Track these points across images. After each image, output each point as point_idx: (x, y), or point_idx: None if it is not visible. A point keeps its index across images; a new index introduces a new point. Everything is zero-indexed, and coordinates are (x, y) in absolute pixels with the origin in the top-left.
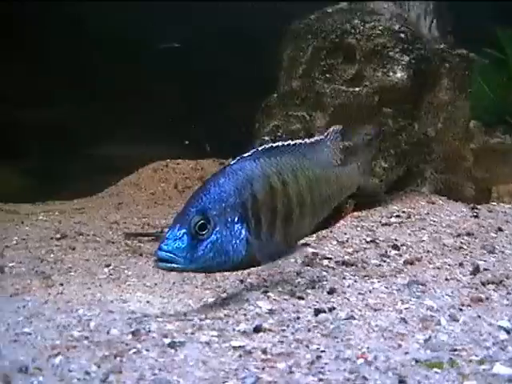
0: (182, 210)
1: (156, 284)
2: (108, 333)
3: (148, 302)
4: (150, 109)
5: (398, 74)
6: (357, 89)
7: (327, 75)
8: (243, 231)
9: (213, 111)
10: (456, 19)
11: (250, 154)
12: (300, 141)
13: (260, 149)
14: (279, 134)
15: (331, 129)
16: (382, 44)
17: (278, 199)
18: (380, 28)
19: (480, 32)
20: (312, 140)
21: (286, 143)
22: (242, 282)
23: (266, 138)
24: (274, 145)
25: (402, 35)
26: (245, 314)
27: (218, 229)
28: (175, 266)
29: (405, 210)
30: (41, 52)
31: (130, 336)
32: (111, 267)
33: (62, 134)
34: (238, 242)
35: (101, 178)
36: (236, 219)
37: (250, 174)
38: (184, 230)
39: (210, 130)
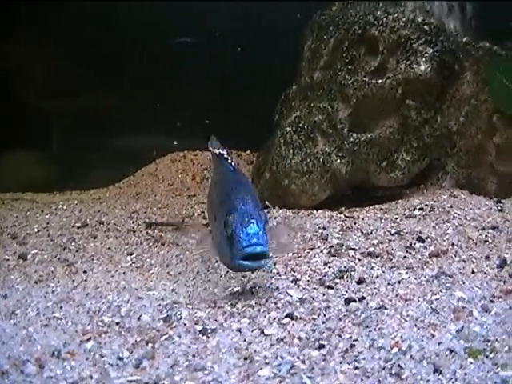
0: (246, 209)
1: (180, 273)
2: (139, 319)
3: (173, 290)
4: (169, 101)
5: (422, 67)
6: (380, 81)
7: (350, 67)
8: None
9: (231, 104)
10: (480, 11)
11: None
12: None
13: None
14: (301, 125)
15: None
16: (406, 36)
17: None
18: (404, 20)
19: (504, 24)
20: None
21: None
22: (265, 271)
23: (288, 129)
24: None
25: (426, 27)
26: (275, 303)
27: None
28: (269, 256)
29: (427, 203)
30: (64, 41)
31: (162, 322)
32: (134, 256)
33: (78, 123)
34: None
35: (118, 168)
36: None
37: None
38: (262, 225)
39: (228, 123)
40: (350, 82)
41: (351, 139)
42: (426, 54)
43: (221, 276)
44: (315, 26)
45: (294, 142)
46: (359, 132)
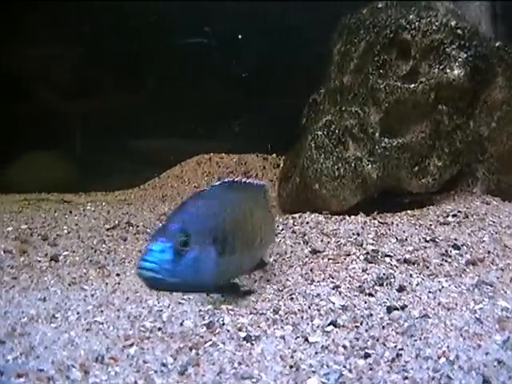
0: (163, 226)
1: None
2: (181, 324)
3: (207, 294)
4: (194, 103)
5: (455, 71)
6: (412, 85)
7: (381, 71)
8: (213, 252)
9: (256, 107)
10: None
11: (219, 184)
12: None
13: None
14: (332, 129)
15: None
16: (439, 40)
17: (240, 226)
18: (437, 24)
19: None
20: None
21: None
22: (303, 277)
23: (319, 133)
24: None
25: (460, 31)
26: (318, 310)
27: (195, 247)
28: (157, 276)
29: (460, 209)
30: (86, 43)
31: (204, 328)
32: None
33: (101, 125)
34: (209, 262)
35: (143, 170)
36: (210, 240)
37: (222, 200)
38: (169, 245)
39: (254, 125)
40: (381, 86)
41: (383, 144)
42: (460, 59)
43: (255, 281)
44: (345, 30)
45: (326, 146)
46: (391, 137)
